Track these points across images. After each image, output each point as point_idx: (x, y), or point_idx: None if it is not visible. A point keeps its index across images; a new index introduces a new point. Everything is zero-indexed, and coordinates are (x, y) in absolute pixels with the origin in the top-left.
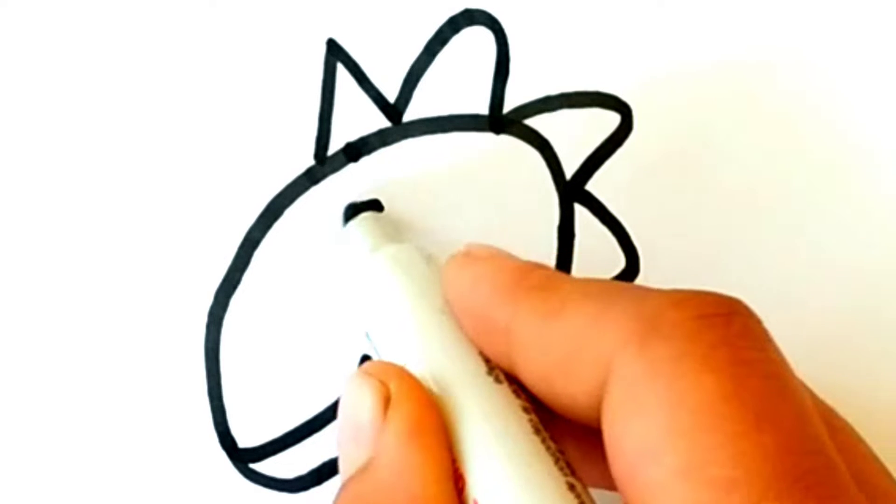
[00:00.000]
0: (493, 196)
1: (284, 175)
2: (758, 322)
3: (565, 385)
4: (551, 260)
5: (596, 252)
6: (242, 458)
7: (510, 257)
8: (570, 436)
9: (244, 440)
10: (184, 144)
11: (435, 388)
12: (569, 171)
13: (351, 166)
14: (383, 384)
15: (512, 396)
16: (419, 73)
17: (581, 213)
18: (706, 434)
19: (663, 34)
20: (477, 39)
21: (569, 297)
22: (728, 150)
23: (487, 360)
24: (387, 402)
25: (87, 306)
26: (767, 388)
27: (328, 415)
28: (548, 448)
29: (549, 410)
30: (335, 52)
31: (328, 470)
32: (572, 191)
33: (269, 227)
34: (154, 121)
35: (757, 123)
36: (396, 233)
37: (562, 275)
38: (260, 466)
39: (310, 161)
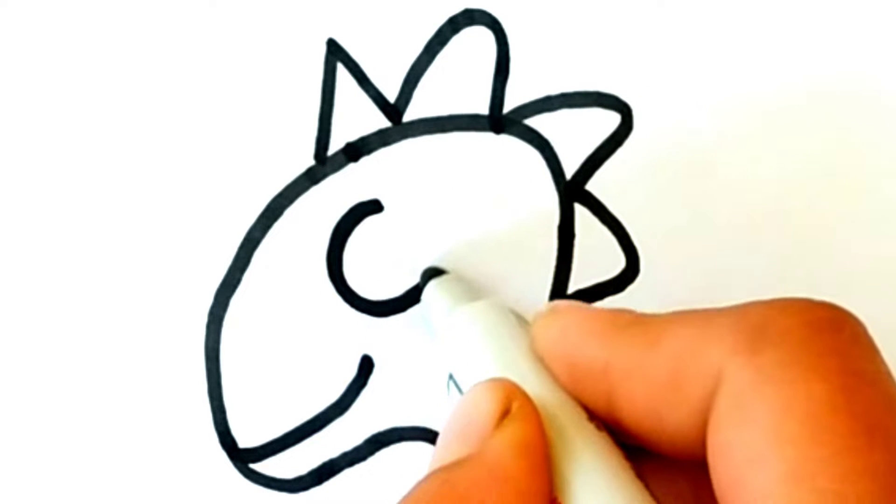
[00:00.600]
0: (493, 196)
1: (284, 175)
2: (865, 331)
3: (672, 410)
4: (551, 260)
5: (596, 252)
6: (242, 458)
7: (595, 307)
8: (658, 489)
9: (244, 440)
10: (184, 144)
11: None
12: (569, 171)
13: (351, 166)
14: (507, 397)
15: (613, 445)
16: (419, 73)
17: (581, 213)
18: (816, 445)
19: (663, 34)
20: (477, 39)
21: (666, 324)
22: (728, 150)
23: (587, 409)
24: (505, 413)
25: (87, 306)
26: (878, 402)
27: (328, 415)
28: (651, 494)
29: (641, 460)
30: (335, 52)
31: (328, 470)
32: (572, 191)
33: (269, 227)
34: (154, 121)
35: (757, 123)
36: (475, 293)
37: (652, 313)
38: (260, 466)
39: (310, 161)
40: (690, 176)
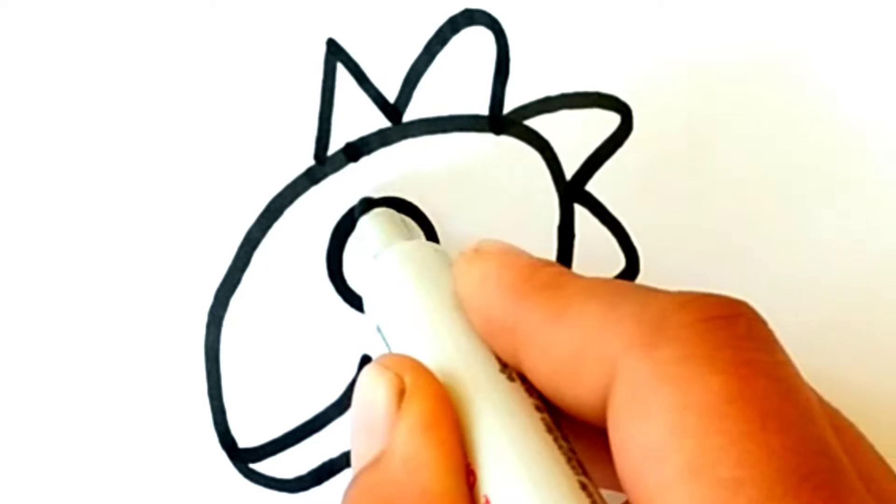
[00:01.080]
0: (493, 196)
1: (284, 175)
2: (763, 323)
3: (570, 386)
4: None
5: (596, 252)
6: (242, 458)
7: (520, 254)
8: (578, 436)
9: (244, 440)
10: (184, 144)
11: (448, 384)
12: (569, 171)
13: (351, 166)
14: (398, 376)
15: (525, 395)
16: (419, 73)
17: (581, 213)
18: (712, 435)
19: (663, 34)
20: (477, 39)
21: (574, 297)
22: (728, 150)
23: (500, 358)
24: (401, 394)
25: (87, 306)
26: (773, 389)
27: (328, 415)
28: (560, 447)
29: (559, 409)
30: (335, 52)
31: (328, 470)
32: (572, 191)
33: (269, 227)
34: (154, 121)
35: (757, 123)
36: (408, 230)
37: (569, 273)
38: (260, 466)
39: (310, 161)
40: (690, 176)
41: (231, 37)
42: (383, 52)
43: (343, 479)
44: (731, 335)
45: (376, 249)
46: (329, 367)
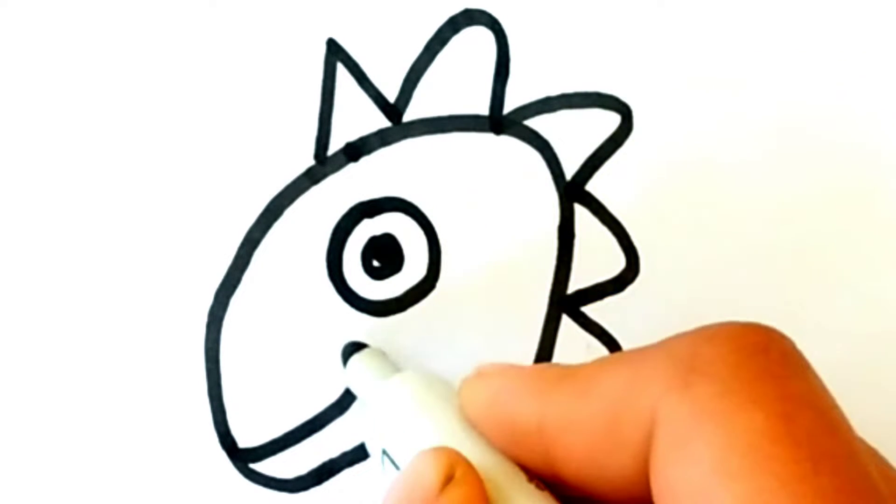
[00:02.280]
0: (493, 196)
1: (284, 175)
2: (794, 347)
3: (611, 457)
4: (551, 260)
5: (596, 252)
6: (242, 458)
7: (522, 366)
8: None
9: (244, 440)
10: (184, 144)
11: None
12: (569, 171)
13: (351, 166)
14: (450, 465)
15: (554, 501)
16: (419, 73)
17: (581, 213)
18: (761, 477)
19: (663, 34)
20: (477, 39)
21: (597, 372)
22: (728, 151)
23: (525, 470)
24: (448, 479)
25: (87, 306)
26: (818, 425)
27: (328, 415)
28: None
29: None
30: (335, 52)
31: (328, 470)
32: (572, 191)
33: (269, 227)
34: (154, 121)
35: (757, 123)
36: (396, 367)
37: (579, 364)
38: (260, 466)
39: (310, 161)
40: (690, 176)
41: (231, 37)
42: (383, 52)
43: (343, 479)
44: (766, 363)
45: (374, 383)
46: (329, 367)
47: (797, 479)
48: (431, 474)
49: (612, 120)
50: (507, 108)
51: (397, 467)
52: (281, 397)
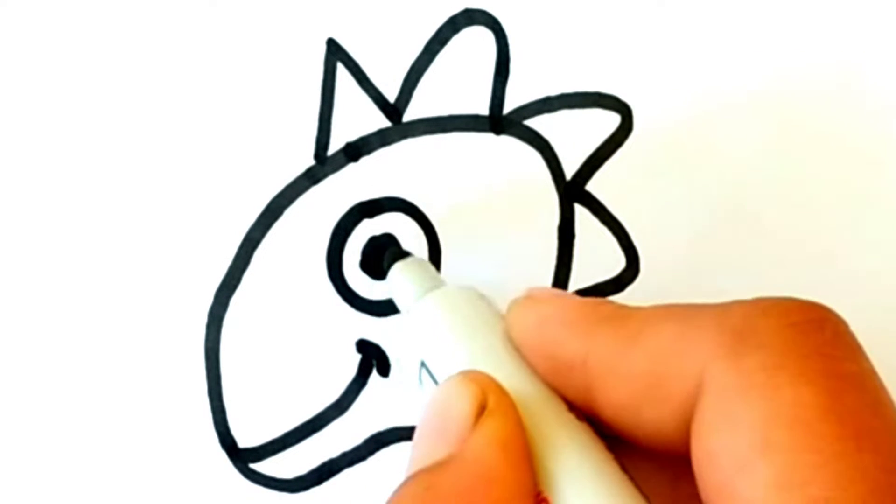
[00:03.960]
0: (493, 196)
1: (284, 175)
2: (847, 328)
3: (651, 409)
4: (551, 260)
5: (596, 252)
6: (242, 458)
7: (574, 296)
8: (641, 480)
9: (244, 440)
10: (184, 144)
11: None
12: (569, 171)
13: (351, 166)
14: (482, 392)
15: (594, 435)
16: (419, 73)
17: (581, 213)
18: (805, 452)
19: (663, 34)
20: (477, 39)
21: (647, 320)
22: (728, 150)
23: (566, 400)
24: (481, 409)
25: (87, 306)
26: (864, 404)
27: (328, 415)
28: (635, 485)
29: (622, 451)
30: (335, 52)
31: (328, 470)
32: (572, 191)
33: (269, 227)
34: (154, 121)
35: (757, 123)
36: (438, 278)
37: (632, 305)
38: (260, 466)
39: (310, 161)
40: (690, 176)
41: (231, 37)
42: (383, 52)
43: (343, 479)
44: (819, 342)
45: (417, 295)
46: (329, 367)
47: (839, 456)
48: (464, 405)
49: (612, 120)
50: (507, 108)
51: (436, 382)
52: (281, 397)
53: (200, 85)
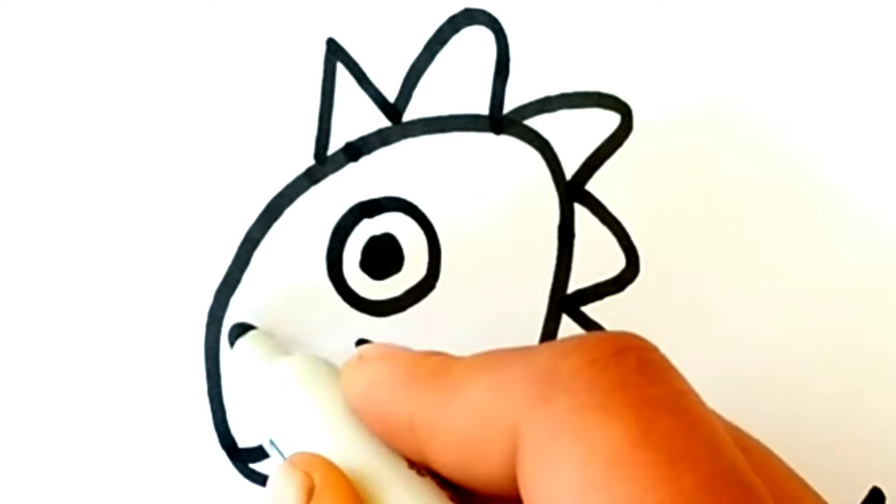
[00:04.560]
0: (493, 196)
1: (284, 175)
2: (653, 351)
3: (478, 464)
4: (551, 260)
5: (596, 252)
6: (242, 458)
7: (402, 352)
8: None
9: (244, 440)
10: (184, 144)
11: (358, 483)
12: (569, 171)
13: (351, 166)
14: (307, 475)
15: (437, 489)
16: (419, 73)
17: (581, 213)
18: (622, 484)
19: (663, 34)
20: (477, 39)
21: (463, 375)
22: (728, 150)
23: (406, 458)
24: (310, 493)
25: (87, 306)
26: (676, 426)
27: None
28: None
29: (470, 497)
30: (335, 52)
31: None
32: (572, 191)
33: (269, 226)
34: (154, 121)
35: (757, 123)
36: (285, 349)
37: (454, 357)
38: (260, 466)
39: (310, 161)
40: (690, 176)
41: (231, 37)
42: (383, 52)
43: None
44: (623, 373)
45: (260, 367)
46: None
47: (659, 483)
48: (292, 493)
49: (612, 120)
50: (507, 107)
51: (283, 457)
52: None
53: (200, 85)
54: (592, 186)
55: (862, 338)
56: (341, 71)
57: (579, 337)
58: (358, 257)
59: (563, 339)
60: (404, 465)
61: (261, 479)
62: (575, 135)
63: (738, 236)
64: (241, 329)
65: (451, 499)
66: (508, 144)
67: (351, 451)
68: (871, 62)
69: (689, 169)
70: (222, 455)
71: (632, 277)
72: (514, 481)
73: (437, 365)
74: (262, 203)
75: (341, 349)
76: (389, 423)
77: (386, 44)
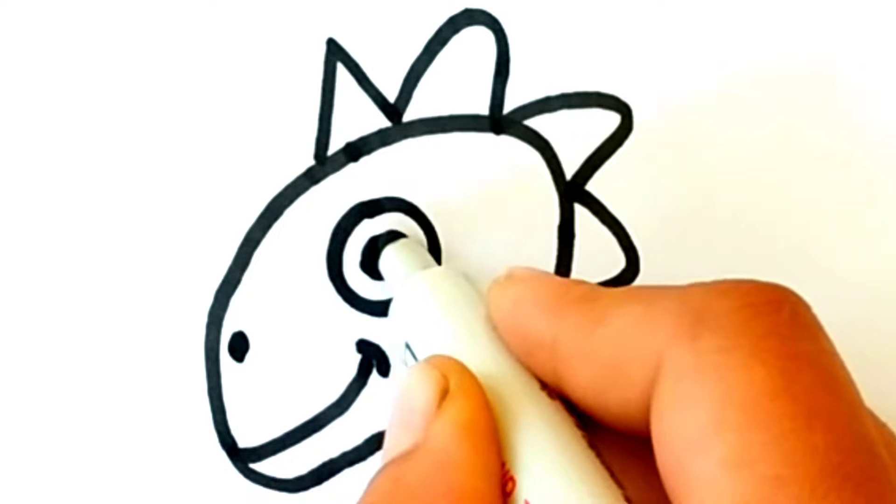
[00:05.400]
0: (493, 196)
1: (284, 175)
2: (807, 309)
3: (615, 390)
4: (551, 260)
5: (596, 252)
6: (242, 458)
7: (551, 276)
8: (612, 459)
9: (244, 440)
10: (184, 144)
11: (490, 395)
12: (569, 171)
13: (351, 166)
14: (444, 376)
15: (565, 413)
16: (419, 73)
17: (581, 213)
18: (756, 430)
19: (663, 34)
20: (477, 39)
21: (611, 303)
22: (728, 150)
23: (538, 378)
24: (444, 394)
25: (87, 306)
26: (818, 383)
27: (328, 415)
28: (603, 463)
29: (594, 428)
30: (335, 52)
31: (328, 470)
32: (572, 191)
33: (269, 227)
34: (154, 121)
35: (757, 123)
36: (430, 260)
37: (603, 287)
38: (260, 466)
39: (310, 161)
40: (690, 176)
41: (231, 37)
42: (383, 52)
43: (343, 479)
44: (775, 323)
45: (403, 276)
46: (329, 367)
47: (789, 434)
48: (426, 393)
49: (612, 120)
50: (507, 107)
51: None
52: (281, 397)
53: (200, 85)
54: (592, 186)
55: (866, 339)
56: (341, 71)
57: (735, 280)
58: (358, 257)
59: (720, 280)
60: (537, 385)
61: (261, 479)
62: (575, 135)
63: (739, 236)
64: (391, 236)
65: (577, 426)
66: (508, 144)
67: (487, 363)
68: (872, 62)
69: (690, 169)
70: (222, 455)
71: (632, 277)
72: (645, 413)
73: (587, 291)
74: (262, 203)
75: (341, 349)
76: (530, 342)
77: (386, 44)
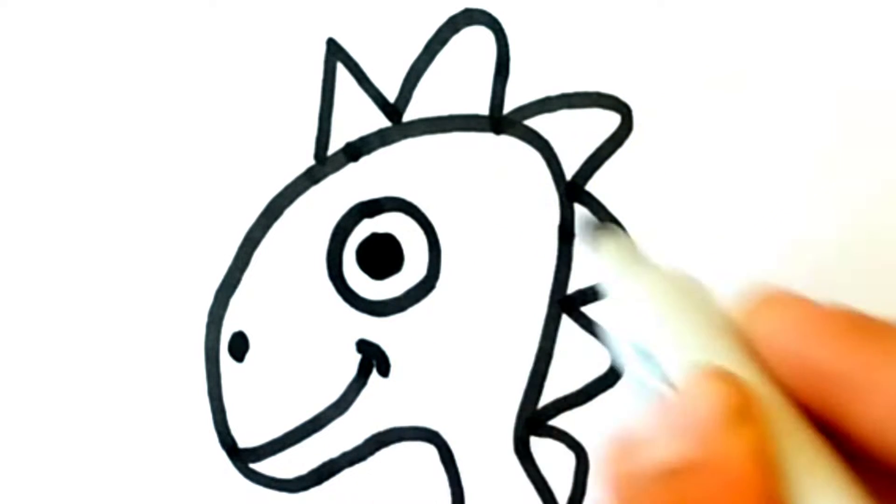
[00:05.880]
0: (493, 196)
1: (284, 175)
2: None
3: None
4: (551, 260)
5: None
6: (242, 458)
7: (814, 301)
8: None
9: (244, 440)
10: (184, 144)
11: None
12: (569, 171)
13: (351, 166)
14: (736, 395)
15: (830, 446)
16: (419, 73)
17: (581, 212)
18: None
19: (663, 34)
20: (477, 39)
21: None
22: (728, 150)
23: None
24: (733, 414)
25: (87, 306)
26: None
27: (328, 415)
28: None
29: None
30: (335, 52)
31: (328, 470)
32: (572, 191)
33: (269, 227)
34: (154, 121)
35: (756, 123)
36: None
37: (883, 320)
38: (260, 466)
39: (310, 161)
40: (690, 176)
41: (231, 37)
42: (383, 52)
43: (343, 479)
44: None
45: (634, 267)
46: (329, 367)
47: None
48: (716, 406)
49: (612, 120)
50: (507, 107)
51: (649, 366)
52: (281, 397)
53: (200, 85)
54: (592, 186)
55: None
56: (341, 71)
57: None
58: (358, 258)
59: None
60: (803, 416)
61: (261, 479)
62: (575, 135)
63: (739, 236)
64: (594, 224)
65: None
66: (508, 144)
67: (749, 377)
68: (874, 59)
69: (689, 168)
70: (222, 455)
71: None
72: None
73: (871, 321)
74: (262, 203)
75: (341, 349)
76: (809, 368)
77: (386, 44)
